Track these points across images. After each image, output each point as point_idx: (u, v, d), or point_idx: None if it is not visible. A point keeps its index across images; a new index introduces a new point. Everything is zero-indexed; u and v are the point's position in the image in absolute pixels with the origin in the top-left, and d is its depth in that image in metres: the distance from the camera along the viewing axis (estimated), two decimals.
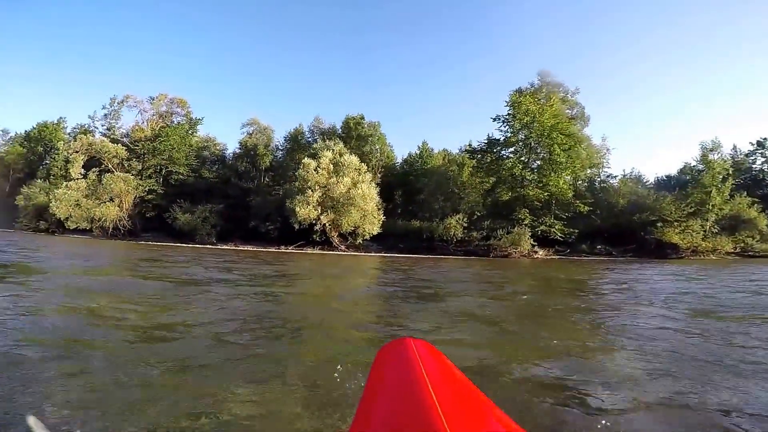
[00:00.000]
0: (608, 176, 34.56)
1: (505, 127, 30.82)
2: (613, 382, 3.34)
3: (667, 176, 37.82)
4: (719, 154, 30.44)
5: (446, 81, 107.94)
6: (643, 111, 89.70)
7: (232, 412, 2.61)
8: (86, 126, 43.34)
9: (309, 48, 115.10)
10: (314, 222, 27.96)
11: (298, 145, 38.40)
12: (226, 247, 28.10)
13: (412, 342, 0.81)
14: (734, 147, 36.80)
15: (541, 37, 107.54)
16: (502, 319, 6.11)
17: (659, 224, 26.72)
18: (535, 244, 26.74)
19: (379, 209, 29.64)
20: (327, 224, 28.27)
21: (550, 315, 6.53)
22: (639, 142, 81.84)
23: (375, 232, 29.05)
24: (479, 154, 32.93)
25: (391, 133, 71.63)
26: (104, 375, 3.16)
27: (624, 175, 33.55)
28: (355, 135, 36.18)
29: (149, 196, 35.98)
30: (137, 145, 37.69)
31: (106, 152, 35.55)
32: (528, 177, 29.92)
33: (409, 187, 36.12)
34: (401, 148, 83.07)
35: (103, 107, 41.01)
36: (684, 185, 30.43)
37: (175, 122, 40.35)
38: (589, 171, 33.41)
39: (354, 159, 30.05)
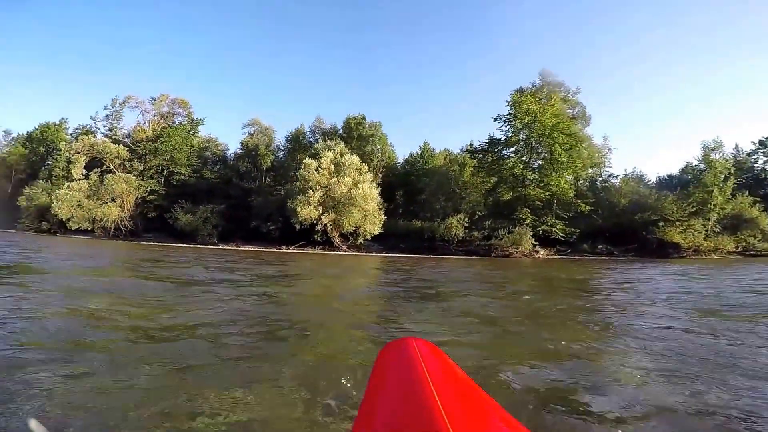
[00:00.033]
0: (610, 176, 34.59)
1: (506, 126, 30.88)
2: (623, 385, 3.28)
3: (668, 176, 37.83)
4: (721, 154, 30.40)
5: (447, 80, 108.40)
6: (644, 111, 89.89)
7: (233, 413, 2.61)
8: (88, 127, 43.57)
9: (310, 48, 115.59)
10: (315, 222, 27.99)
11: (299, 145, 38.45)
12: (228, 248, 28.15)
13: (414, 341, 0.81)
14: (736, 146, 36.75)
15: (542, 37, 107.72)
16: (504, 320, 6.11)
17: (661, 224, 26.69)
18: (537, 243, 26.73)
19: (380, 209, 29.66)
20: (328, 224, 28.30)
21: (554, 315, 6.51)
22: (641, 142, 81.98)
23: (376, 232, 29.07)
24: (480, 154, 32.95)
25: (392, 132, 71.71)
26: (105, 376, 3.16)
27: (626, 175, 33.52)
28: (356, 135, 36.21)
29: (151, 197, 36.09)
30: (139, 146, 37.80)
31: (107, 153, 35.65)
32: (529, 177, 29.91)
33: (410, 187, 36.13)
34: (403, 148, 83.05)
35: (105, 108, 41.35)
36: (686, 185, 30.41)
37: (177, 123, 40.50)
38: (590, 170, 33.40)
39: (355, 159, 30.07)
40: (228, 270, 12.51)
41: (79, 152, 35.67)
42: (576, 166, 29.89)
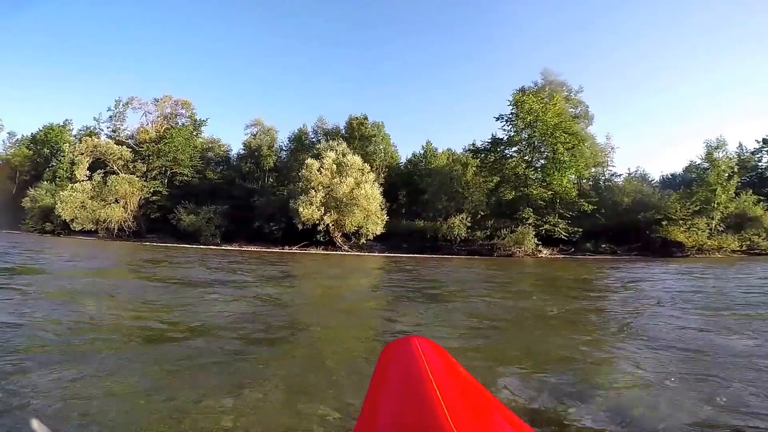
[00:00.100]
0: (613, 175, 34.52)
1: (508, 126, 30.86)
2: (640, 387, 3.21)
3: (672, 174, 37.73)
4: (724, 152, 30.26)
5: (449, 79, 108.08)
6: (648, 109, 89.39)
7: (234, 413, 2.62)
8: (91, 128, 43.73)
9: (312, 48, 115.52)
10: (317, 222, 28.03)
11: (301, 145, 38.52)
12: (231, 248, 28.21)
13: (416, 340, 0.81)
14: (740, 145, 36.62)
15: (545, 36, 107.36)
16: (507, 320, 6.09)
17: (664, 223, 26.58)
18: (540, 243, 26.69)
19: (382, 209, 29.67)
20: (330, 224, 28.34)
21: (561, 316, 6.43)
22: (644, 141, 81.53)
23: (378, 232, 29.08)
24: (483, 154, 32.92)
25: (395, 131, 71.91)
26: (106, 377, 3.17)
27: (629, 174, 33.41)
28: (358, 135, 36.25)
29: (154, 198, 36.24)
30: (142, 147, 37.96)
31: (111, 154, 35.84)
32: (531, 176, 29.87)
33: (413, 187, 36.13)
34: (406, 147, 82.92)
35: (108, 109, 41.56)
36: (689, 183, 30.28)
37: (180, 124, 40.63)
38: (593, 170, 33.32)
39: (357, 159, 30.09)
40: (231, 271, 12.53)
41: (82, 153, 35.88)
42: (579, 166, 29.81)
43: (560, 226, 27.76)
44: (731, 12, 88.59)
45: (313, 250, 28.17)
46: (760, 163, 35.18)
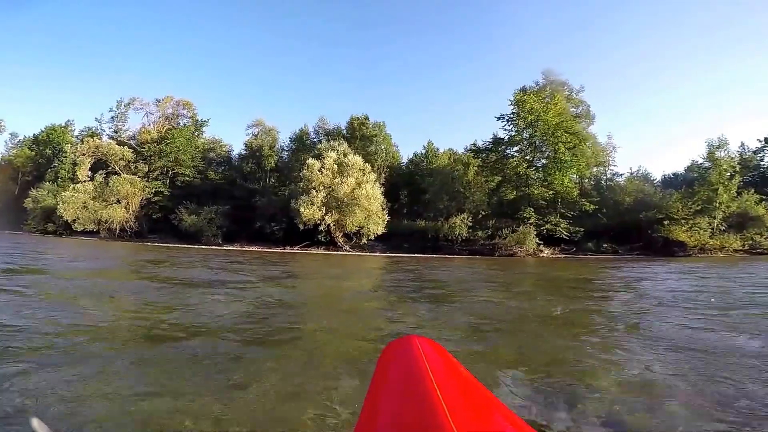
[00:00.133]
0: (614, 174, 34.38)
1: (509, 126, 30.77)
2: (650, 387, 3.18)
3: (673, 174, 37.62)
4: (726, 152, 30.17)
5: (450, 79, 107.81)
6: (649, 109, 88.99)
7: (239, 412, 2.62)
8: (93, 129, 43.82)
9: (312, 48, 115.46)
10: (319, 222, 28.03)
11: (303, 145, 38.48)
12: (232, 248, 28.23)
13: (416, 340, 0.81)
14: (742, 144, 36.45)
15: (546, 36, 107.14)
16: (509, 320, 6.08)
17: (666, 222, 26.51)
18: (541, 242, 26.64)
19: (383, 209, 29.64)
20: (331, 224, 28.33)
21: (563, 317, 6.41)
22: (644, 141, 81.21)
23: (380, 232, 29.04)
24: (484, 153, 32.84)
25: (396, 131, 71.69)
26: (107, 377, 3.18)
27: (630, 173, 33.31)
28: (359, 135, 36.22)
29: (156, 198, 36.26)
30: (144, 148, 37.99)
31: (112, 155, 35.89)
32: (533, 176, 29.81)
33: (414, 187, 36.07)
34: (407, 147, 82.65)
35: (110, 110, 41.54)
36: (691, 183, 30.20)
37: (181, 124, 40.65)
38: (594, 169, 33.21)
39: (358, 159, 30.07)
40: (232, 271, 12.55)
41: (84, 154, 35.95)
42: (580, 165, 29.73)
43: (562, 225, 27.71)
44: (731, 12, 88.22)
45: (314, 251, 28.17)
46: (762, 163, 35.06)
